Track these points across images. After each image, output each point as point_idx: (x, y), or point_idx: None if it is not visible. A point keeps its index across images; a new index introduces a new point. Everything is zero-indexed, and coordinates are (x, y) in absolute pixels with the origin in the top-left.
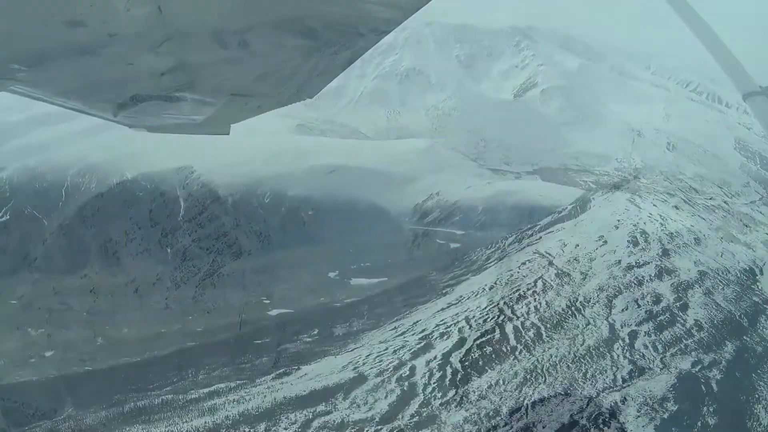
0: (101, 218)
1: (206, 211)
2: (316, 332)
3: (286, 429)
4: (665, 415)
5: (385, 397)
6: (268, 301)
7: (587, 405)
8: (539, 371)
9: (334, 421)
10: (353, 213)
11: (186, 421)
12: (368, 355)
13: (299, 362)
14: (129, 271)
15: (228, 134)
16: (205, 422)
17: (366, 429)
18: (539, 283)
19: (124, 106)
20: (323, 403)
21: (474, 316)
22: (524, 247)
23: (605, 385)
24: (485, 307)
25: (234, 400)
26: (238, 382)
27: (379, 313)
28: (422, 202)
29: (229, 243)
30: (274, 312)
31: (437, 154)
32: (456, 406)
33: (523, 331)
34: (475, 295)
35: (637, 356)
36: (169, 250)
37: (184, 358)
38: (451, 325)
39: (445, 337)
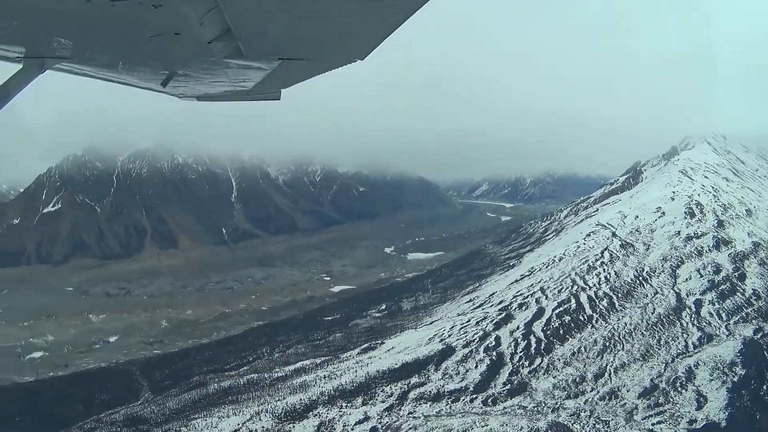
0: (154, 202)
1: (259, 191)
2: (384, 307)
3: (383, 402)
4: (735, 379)
5: (476, 367)
6: (328, 278)
7: (665, 369)
8: (617, 338)
9: (430, 392)
10: (402, 188)
11: (278, 399)
12: (452, 327)
13: (376, 337)
14: (186, 253)
15: (279, 99)
16: (300, 399)
17: (462, 398)
18: (606, 254)
19: (173, 76)
20: (416, 375)
21: (549, 287)
22: (583, 219)
23: (678, 351)
24: (558, 278)
25: (324, 376)
26: (322, 358)
27: (443, 286)
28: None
29: (284, 221)
30: (336, 288)
31: None
32: (544, 374)
33: (596, 301)
34: (546, 267)
35: (704, 323)
36: (224, 231)
37: (256, 338)
38: (528, 296)
39: (524, 307)
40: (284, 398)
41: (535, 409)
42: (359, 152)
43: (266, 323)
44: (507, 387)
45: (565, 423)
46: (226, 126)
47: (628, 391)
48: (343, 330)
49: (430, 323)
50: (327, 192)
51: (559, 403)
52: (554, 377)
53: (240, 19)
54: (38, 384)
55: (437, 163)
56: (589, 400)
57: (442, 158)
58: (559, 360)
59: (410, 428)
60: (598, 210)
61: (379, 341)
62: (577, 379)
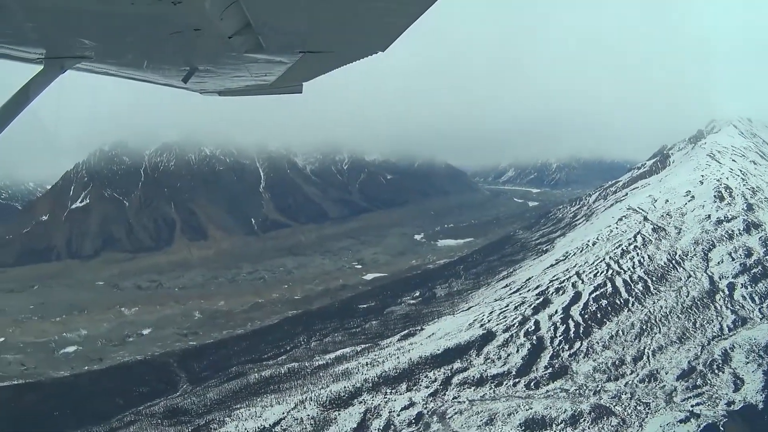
0: (183, 195)
1: (287, 180)
2: (417, 294)
3: (427, 387)
4: None
5: (517, 351)
6: (360, 266)
7: (701, 352)
8: (654, 321)
9: (473, 376)
10: (430, 175)
11: (322, 387)
12: (491, 313)
13: (414, 324)
14: (216, 244)
15: (301, 92)
16: (344, 387)
17: (504, 382)
18: (639, 238)
19: (194, 72)
20: (458, 360)
21: (584, 271)
22: (612, 204)
23: (714, 333)
24: (593, 263)
25: (366, 363)
26: (362, 346)
27: (476, 272)
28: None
29: (313, 210)
30: (368, 276)
31: None
32: (584, 357)
33: (632, 284)
34: (580, 251)
35: (738, 306)
36: (253, 221)
37: (291, 327)
38: (564, 280)
39: (561, 292)
40: (327, 386)
41: (577, 391)
42: (386, 140)
43: (300, 312)
44: (548, 370)
45: (607, 405)
46: (252, 117)
47: (666, 374)
48: (379, 317)
49: (467, 309)
50: (355, 180)
51: (600, 386)
52: (594, 360)
53: (260, 13)
54: (74, 378)
55: (463, 150)
56: (629, 382)
57: (468, 144)
58: (598, 343)
59: (455, 413)
60: (627, 194)
61: (418, 327)
62: (617, 362)
